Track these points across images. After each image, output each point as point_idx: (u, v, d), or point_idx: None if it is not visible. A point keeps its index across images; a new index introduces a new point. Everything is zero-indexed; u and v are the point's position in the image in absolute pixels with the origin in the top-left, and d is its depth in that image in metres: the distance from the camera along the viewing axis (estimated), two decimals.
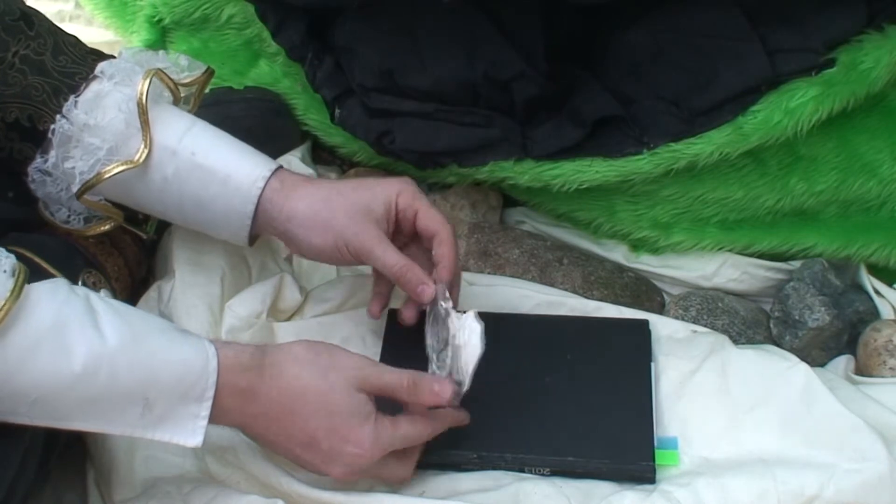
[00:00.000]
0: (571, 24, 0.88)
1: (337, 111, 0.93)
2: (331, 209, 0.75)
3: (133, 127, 0.73)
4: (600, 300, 0.87)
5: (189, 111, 0.80)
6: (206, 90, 0.84)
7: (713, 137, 0.82)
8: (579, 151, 0.86)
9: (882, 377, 0.80)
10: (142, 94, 0.73)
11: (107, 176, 0.73)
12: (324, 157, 1.03)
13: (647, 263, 0.91)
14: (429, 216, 0.76)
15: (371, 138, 0.90)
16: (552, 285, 0.89)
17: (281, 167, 0.77)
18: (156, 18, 1.05)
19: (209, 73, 0.82)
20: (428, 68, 0.86)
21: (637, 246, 0.92)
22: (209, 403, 0.63)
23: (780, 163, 0.86)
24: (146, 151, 0.73)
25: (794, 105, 0.80)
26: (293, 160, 0.97)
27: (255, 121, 0.97)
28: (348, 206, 0.75)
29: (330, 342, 0.70)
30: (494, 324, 0.84)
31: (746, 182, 0.86)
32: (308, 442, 0.66)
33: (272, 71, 1.01)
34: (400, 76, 0.86)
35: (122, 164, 0.73)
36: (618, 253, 0.92)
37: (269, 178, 0.75)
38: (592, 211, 0.91)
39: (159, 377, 0.61)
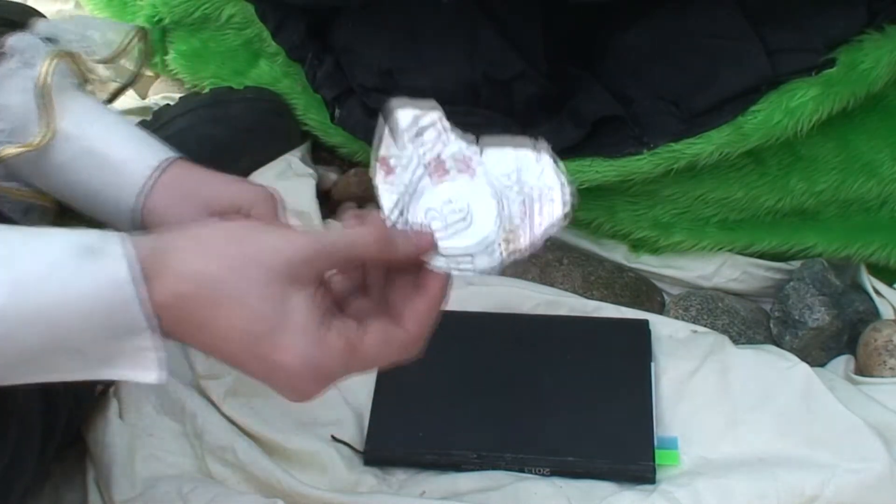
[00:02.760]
0: (571, 24, 0.88)
1: (337, 111, 0.93)
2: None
3: (33, 110, 0.71)
4: (600, 300, 0.87)
5: (136, 72, 0.78)
6: (144, 49, 0.81)
7: (713, 137, 0.82)
8: (579, 151, 0.86)
9: (882, 377, 0.80)
10: (44, 77, 0.71)
11: (2, 156, 0.70)
12: (324, 157, 1.03)
13: (647, 263, 0.91)
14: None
15: (371, 138, 0.90)
16: (552, 285, 0.89)
17: (179, 159, 0.73)
18: (156, 18, 1.05)
19: (139, 34, 0.79)
20: (428, 68, 0.86)
21: (637, 246, 0.92)
22: (148, 334, 0.49)
23: (780, 163, 0.86)
24: (47, 135, 0.71)
25: (794, 105, 0.80)
26: (293, 160, 0.97)
27: (255, 121, 0.97)
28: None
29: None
30: (494, 324, 0.85)
31: (746, 182, 0.86)
32: (243, 365, 0.50)
33: (272, 71, 1.01)
34: (400, 76, 0.86)
35: (19, 147, 0.70)
36: (618, 253, 0.92)
37: (159, 171, 0.71)
38: (592, 211, 0.91)
39: (68, 326, 0.48)
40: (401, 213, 0.54)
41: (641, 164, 0.84)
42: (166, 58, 1.07)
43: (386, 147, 0.55)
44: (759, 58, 0.82)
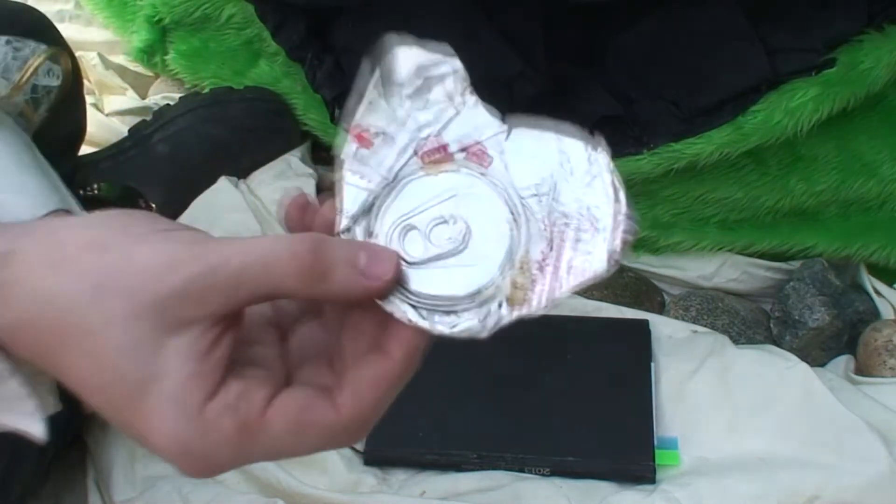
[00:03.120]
0: (571, 24, 0.88)
1: (337, 111, 0.93)
2: None
3: None
4: (600, 300, 0.87)
5: (61, 96, 0.74)
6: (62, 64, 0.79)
7: (713, 137, 0.82)
8: None
9: (882, 377, 0.79)
10: (28, 74, 0.70)
11: None
12: (324, 157, 1.03)
13: (647, 263, 0.91)
14: None
15: None
16: None
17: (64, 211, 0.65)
18: (156, 18, 1.05)
19: (46, 55, 0.76)
20: None
21: (637, 246, 0.92)
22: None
23: (780, 163, 0.86)
24: None
25: (794, 105, 0.80)
26: (293, 160, 0.97)
27: (255, 121, 0.97)
28: None
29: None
30: None
31: (746, 182, 0.86)
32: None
33: (272, 71, 1.01)
34: None
35: None
36: None
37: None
38: None
39: None
40: (367, 219, 0.36)
41: (641, 164, 0.84)
42: (166, 58, 1.07)
43: (370, 106, 0.37)
44: (759, 58, 0.82)
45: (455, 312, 0.35)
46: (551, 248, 0.35)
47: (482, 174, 0.37)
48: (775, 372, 0.77)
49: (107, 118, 1.07)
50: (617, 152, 0.90)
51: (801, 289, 0.84)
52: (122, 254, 0.34)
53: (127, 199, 0.89)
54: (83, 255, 0.34)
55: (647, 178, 0.85)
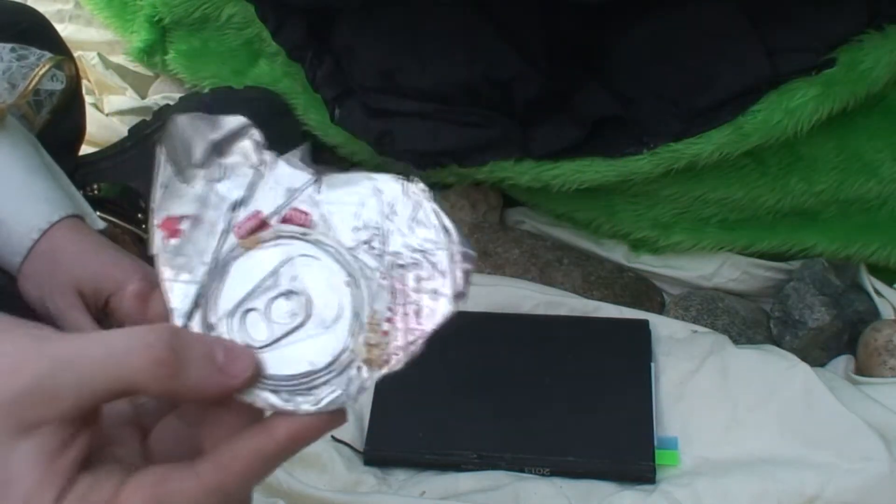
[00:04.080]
0: (571, 24, 0.88)
1: (337, 111, 0.93)
2: None
3: None
4: (600, 300, 0.87)
5: (63, 100, 0.74)
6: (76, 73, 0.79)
7: (713, 137, 0.82)
8: (579, 151, 0.86)
9: (882, 377, 0.79)
10: (34, 83, 0.70)
11: None
12: (324, 157, 1.03)
13: (647, 263, 0.91)
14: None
15: (371, 138, 0.90)
16: (552, 285, 0.89)
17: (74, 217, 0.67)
18: (156, 18, 1.05)
19: (50, 63, 0.76)
20: (428, 68, 0.86)
21: (637, 246, 0.92)
22: None
23: (780, 163, 0.86)
24: None
25: (794, 105, 0.80)
26: (293, 160, 0.97)
27: (256, 121, 0.96)
28: None
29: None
30: (494, 324, 0.84)
31: (746, 182, 0.86)
32: None
33: (272, 71, 1.01)
34: (400, 76, 0.86)
35: None
36: (618, 253, 0.92)
37: (47, 230, 0.66)
38: (592, 211, 0.91)
39: None
40: (202, 312, 0.34)
41: (641, 164, 0.84)
42: (166, 58, 1.07)
43: (167, 191, 0.36)
44: (758, 58, 0.82)
45: (316, 387, 0.33)
46: (395, 299, 0.34)
47: (304, 236, 0.35)
48: (775, 372, 0.77)
49: (107, 118, 1.07)
50: (617, 152, 0.91)
51: (801, 289, 0.84)
52: None
53: (127, 199, 0.89)
54: None
55: (647, 178, 0.85)
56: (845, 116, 0.82)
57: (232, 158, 0.36)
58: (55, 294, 0.66)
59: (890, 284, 0.87)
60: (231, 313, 0.34)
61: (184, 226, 0.35)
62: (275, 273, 0.34)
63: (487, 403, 0.77)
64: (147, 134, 0.97)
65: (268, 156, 0.36)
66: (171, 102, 1.00)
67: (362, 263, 0.34)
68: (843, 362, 0.84)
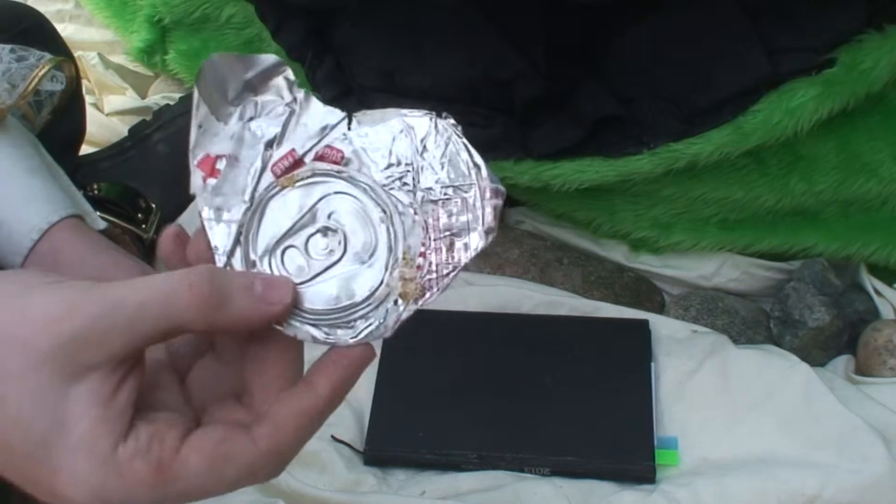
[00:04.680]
0: (571, 23, 0.88)
1: None
2: None
3: None
4: (600, 300, 0.87)
5: (63, 101, 0.75)
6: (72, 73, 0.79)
7: (713, 137, 0.82)
8: (579, 151, 0.86)
9: (882, 377, 0.79)
10: (34, 84, 0.70)
11: None
12: None
13: (647, 263, 0.91)
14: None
15: None
16: (552, 285, 0.89)
17: (75, 218, 0.67)
18: (155, 18, 1.05)
19: (50, 64, 0.76)
20: (428, 68, 0.86)
21: (637, 246, 0.92)
22: None
23: (780, 163, 0.86)
24: None
25: (794, 105, 0.80)
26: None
27: None
28: None
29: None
30: (494, 324, 0.84)
31: (746, 182, 0.86)
32: (18, 484, 0.35)
33: None
34: (400, 76, 0.86)
35: None
36: (618, 253, 0.92)
37: (47, 230, 0.66)
38: (592, 211, 0.91)
39: None
40: (243, 249, 0.36)
41: (641, 164, 0.84)
42: (166, 57, 1.07)
43: (202, 131, 0.36)
44: (758, 58, 0.81)
45: (355, 320, 0.35)
46: (428, 234, 0.35)
47: (339, 173, 0.36)
48: (775, 372, 0.77)
49: (107, 118, 1.07)
50: (617, 152, 0.91)
51: (801, 289, 0.84)
52: (13, 307, 0.33)
53: (127, 199, 0.89)
54: None
55: (647, 178, 0.85)
56: (845, 116, 0.82)
57: (265, 96, 0.36)
58: None
59: (890, 284, 0.87)
60: (271, 251, 0.35)
61: (220, 165, 0.36)
62: (311, 210, 0.35)
63: (487, 403, 0.77)
64: (147, 134, 0.97)
65: (300, 94, 0.36)
66: (171, 102, 1.00)
67: (396, 199, 0.35)
68: (843, 362, 0.83)
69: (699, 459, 0.74)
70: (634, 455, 0.73)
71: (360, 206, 0.35)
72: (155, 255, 0.90)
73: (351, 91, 0.91)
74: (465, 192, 0.35)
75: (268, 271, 0.35)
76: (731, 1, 0.83)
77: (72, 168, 0.90)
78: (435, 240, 0.35)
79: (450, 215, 0.35)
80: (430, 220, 0.35)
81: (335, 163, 0.36)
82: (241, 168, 0.36)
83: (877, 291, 0.87)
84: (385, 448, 0.76)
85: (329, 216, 0.35)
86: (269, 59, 0.36)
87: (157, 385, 0.37)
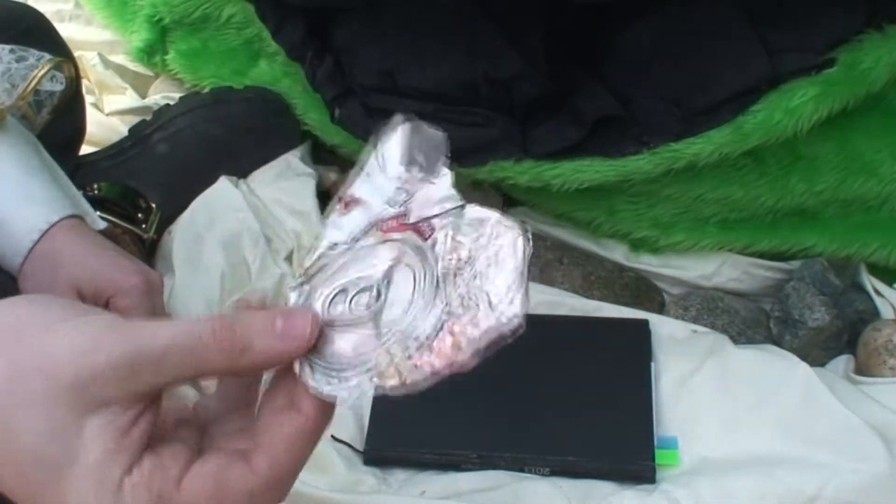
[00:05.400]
0: (572, 23, 0.88)
1: (337, 111, 0.93)
2: None
3: None
4: (600, 300, 0.87)
5: (63, 101, 0.75)
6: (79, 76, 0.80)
7: (713, 137, 0.82)
8: (579, 151, 0.86)
9: (882, 377, 0.79)
10: (33, 84, 0.71)
11: None
12: (324, 157, 1.03)
13: (647, 263, 0.91)
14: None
15: (371, 138, 0.90)
16: (552, 285, 0.89)
17: (75, 217, 0.68)
18: (155, 18, 1.05)
19: (50, 65, 0.77)
20: (428, 68, 0.86)
21: (637, 245, 0.92)
22: None
23: (780, 163, 0.86)
24: None
25: (794, 105, 0.80)
26: (293, 160, 0.97)
27: (255, 121, 0.97)
28: None
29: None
30: None
31: (746, 182, 0.86)
32: None
33: (272, 71, 1.01)
34: (400, 76, 0.86)
35: None
36: (618, 253, 0.92)
37: (47, 231, 0.67)
38: (592, 211, 0.91)
39: None
40: (320, 278, 0.38)
41: (641, 163, 0.84)
42: (166, 57, 1.07)
43: (365, 177, 0.40)
44: (759, 58, 0.82)
45: (343, 378, 0.36)
46: (438, 334, 0.35)
47: (417, 249, 0.37)
48: (775, 371, 0.77)
49: (107, 118, 1.07)
50: (617, 152, 0.91)
51: (801, 288, 0.84)
52: (40, 339, 0.34)
53: (127, 199, 0.89)
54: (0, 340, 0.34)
55: (647, 178, 0.85)
56: (845, 116, 0.82)
57: (418, 170, 0.38)
58: (55, 295, 0.66)
59: (890, 284, 0.87)
60: (333, 289, 0.37)
61: (353, 207, 0.38)
62: (377, 268, 0.37)
63: (487, 403, 0.77)
64: (147, 134, 0.97)
65: (442, 169, 0.38)
66: (171, 102, 1.00)
67: (444, 283, 0.36)
68: (843, 362, 0.83)
69: (699, 459, 0.74)
70: (634, 455, 0.73)
71: (409, 280, 0.36)
72: (155, 255, 0.90)
73: (351, 91, 0.91)
74: (482, 316, 0.36)
75: (317, 305, 0.37)
76: (731, 1, 0.83)
77: (72, 168, 0.90)
78: (441, 338, 0.35)
79: (462, 327, 0.35)
80: (453, 317, 0.35)
81: (424, 238, 0.37)
82: (365, 215, 0.38)
83: (877, 291, 0.87)
84: (385, 448, 0.76)
85: (383, 278, 0.37)
86: (438, 136, 0.39)
87: (175, 435, 0.38)
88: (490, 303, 0.35)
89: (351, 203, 0.38)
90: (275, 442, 0.36)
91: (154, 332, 0.34)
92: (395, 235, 0.37)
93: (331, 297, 0.37)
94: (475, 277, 0.35)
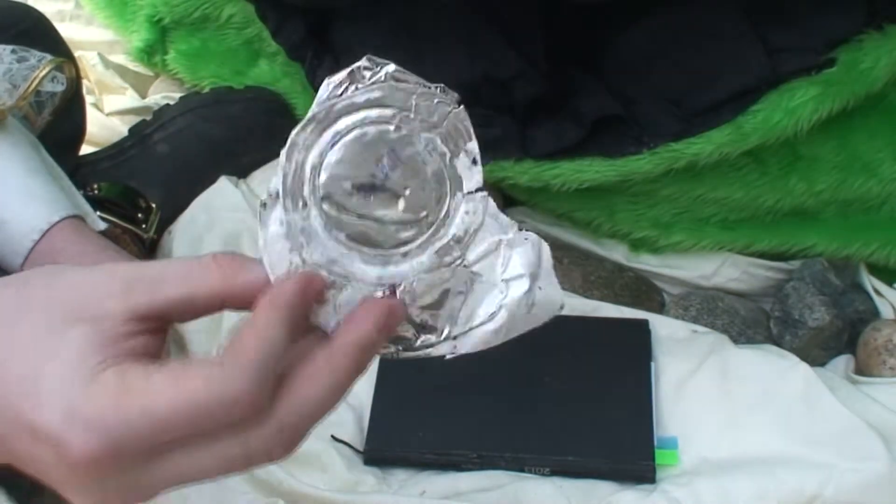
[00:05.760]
0: (571, 23, 0.88)
1: None
2: None
3: None
4: (600, 300, 0.87)
5: (63, 101, 0.75)
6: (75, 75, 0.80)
7: (713, 137, 0.82)
8: (579, 151, 0.86)
9: (882, 377, 0.79)
10: (34, 85, 0.71)
11: None
12: None
13: (646, 263, 0.91)
14: None
15: None
16: None
17: (75, 218, 0.69)
18: (156, 18, 1.05)
19: (51, 65, 0.77)
20: (428, 68, 0.85)
21: (637, 245, 0.92)
22: None
23: (780, 163, 0.86)
24: None
25: (794, 105, 0.80)
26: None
27: (255, 121, 0.97)
28: None
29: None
30: None
31: (746, 182, 0.86)
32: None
33: (272, 71, 1.01)
34: None
35: None
36: (618, 253, 0.92)
37: (48, 231, 0.67)
38: (592, 211, 0.91)
39: None
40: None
41: (641, 163, 0.84)
42: (166, 57, 1.07)
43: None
44: (758, 58, 0.82)
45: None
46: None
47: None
48: (775, 371, 0.77)
49: (107, 118, 1.07)
50: (617, 152, 0.91)
51: (801, 288, 0.84)
52: (49, 272, 0.35)
53: (127, 199, 0.89)
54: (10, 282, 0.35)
55: (647, 178, 0.85)
56: (845, 116, 0.82)
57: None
58: None
59: (890, 284, 0.87)
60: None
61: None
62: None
63: (487, 403, 0.77)
64: (147, 134, 0.97)
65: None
66: (171, 102, 1.00)
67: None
68: (842, 362, 0.83)
69: (699, 459, 0.74)
70: (634, 455, 0.73)
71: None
72: (155, 256, 0.90)
73: None
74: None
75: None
76: (732, 1, 0.83)
77: (72, 168, 0.90)
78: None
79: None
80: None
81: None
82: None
83: (877, 291, 0.87)
84: (385, 448, 0.76)
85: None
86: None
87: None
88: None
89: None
90: (297, 372, 0.34)
91: (155, 261, 0.36)
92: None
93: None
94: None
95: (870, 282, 0.87)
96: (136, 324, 0.34)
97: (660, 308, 0.89)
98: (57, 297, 0.34)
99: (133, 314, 0.33)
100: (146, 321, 0.34)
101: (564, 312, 0.91)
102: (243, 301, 0.35)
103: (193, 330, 0.81)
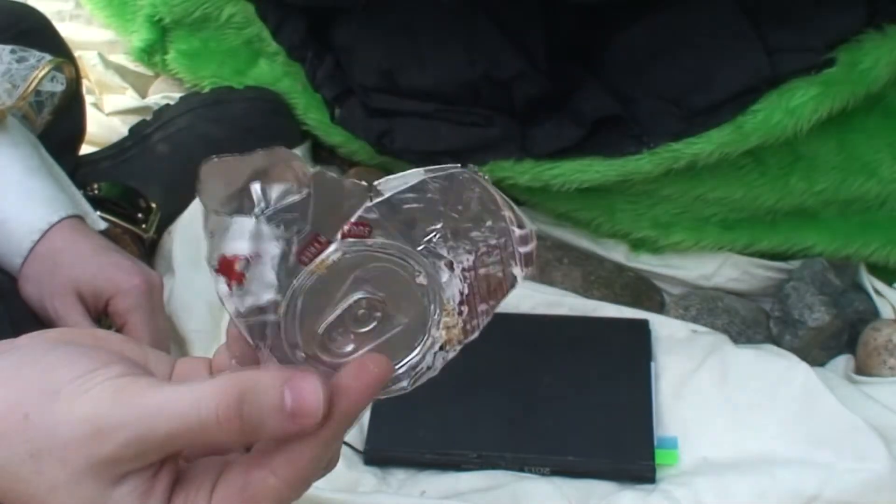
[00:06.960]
0: (571, 23, 0.88)
1: (337, 111, 0.93)
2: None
3: None
4: (600, 300, 0.87)
5: (63, 102, 0.75)
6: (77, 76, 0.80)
7: (713, 137, 0.82)
8: (579, 151, 0.86)
9: (882, 377, 0.79)
10: (33, 85, 0.71)
11: None
12: (324, 157, 1.03)
13: (647, 263, 0.91)
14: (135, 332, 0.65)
15: (371, 138, 0.90)
16: (552, 285, 0.89)
17: (74, 217, 0.69)
18: (156, 18, 1.05)
19: (50, 66, 0.77)
20: (428, 68, 0.86)
21: (637, 245, 0.92)
22: None
23: (780, 162, 0.86)
24: None
25: (794, 105, 0.80)
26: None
27: (255, 121, 0.97)
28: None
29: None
30: (494, 324, 0.84)
31: (746, 182, 0.86)
32: None
33: (272, 71, 1.01)
34: (400, 76, 0.86)
35: None
36: (618, 252, 0.92)
37: (47, 231, 0.67)
38: (592, 211, 0.91)
39: None
40: (280, 336, 0.35)
41: (641, 163, 0.84)
42: (166, 57, 1.07)
43: (215, 234, 0.36)
44: (758, 58, 0.82)
45: (404, 372, 0.37)
46: (466, 283, 0.36)
47: (369, 246, 0.35)
48: (775, 371, 0.77)
49: (107, 118, 1.07)
50: (617, 152, 0.91)
51: (801, 288, 0.84)
52: (45, 421, 0.34)
53: (127, 198, 0.89)
54: (7, 422, 0.34)
55: (647, 178, 0.85)
56: (845, 116, 0.82)
57: (276, 186, 0.35)
58: (55, 296, 0.66)
59: (890, 284, 0.87)
60: (315, 338, 0.35)
61: (240, 266, 0.35)
62: (349, 289, 0.35)
63: (487, 403, 0.77)
64: (147, 134, 0.97)
65: (310, 170, 0.35)
66: (171, 102, 1.00)
67: (430, 256, 0.35)
68: (842, 362, 0.83)
69: (699, 459, 0.74)
70: (634, 455, 0.73)
71: (394, 273, 0.35)
72: (155, 255, 0.90)
73: (351, 91, 0.91)
74: (498, 238, 0.36)
75: (324, 357, 0.36)
76: (731, 1, 0.83)
77: (72, 168, 0.90)
78: (473, 287, 0.36)
79: (485, 264, 0.36)
80: (467, 271, 0.36)
81: (362, 236, 0.35)
82: (264, 263, 0.35)
83: (876, 291, 0.87)
84: (385, 448, 0.76)
85: (366, 288, 0.35)
86: (270, 153, 0.36)
87: (199, 466, 0.38)
88: (494, 232, 0.36)
89: (230, 266, 0.35)
90: (297, 446, 0.36)
91: (160, 406, 0.34)
92: (330, 254, 0.35)
93: (323, 342, 0.36)
94: (454, 224, 0.35)
95: (870, 282, 0.87)
96: (156, 465, 0.35)
97: (660, 308, 0.89)
98: (73, 468, 0.34)
99: (151, 464, 0.35)
100: (163, 458, 0.36)
101: (564, 312, 0.91)
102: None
103: (194, 330, 0.81)
